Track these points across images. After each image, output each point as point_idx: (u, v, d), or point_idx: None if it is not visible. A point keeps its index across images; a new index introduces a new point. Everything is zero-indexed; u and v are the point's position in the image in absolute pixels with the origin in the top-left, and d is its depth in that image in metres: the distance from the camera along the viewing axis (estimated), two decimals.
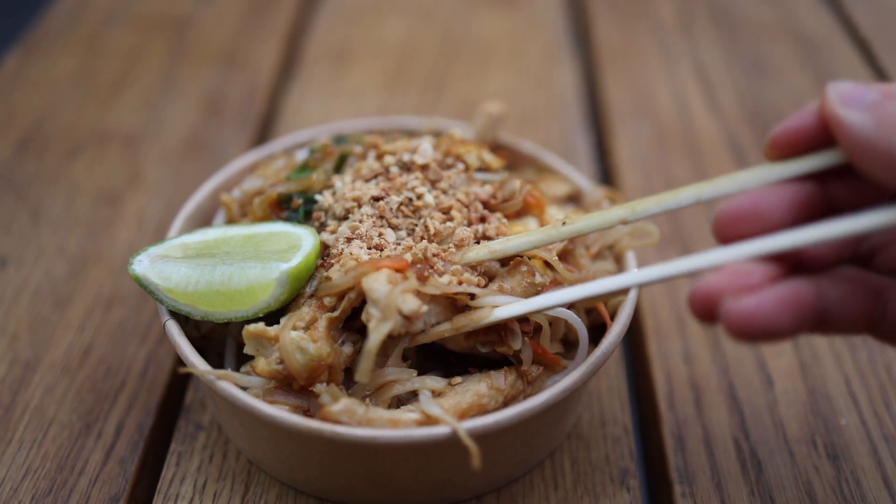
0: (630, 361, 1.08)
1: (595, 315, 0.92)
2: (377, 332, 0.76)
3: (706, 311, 0.65)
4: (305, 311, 0.82)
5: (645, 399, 1.03)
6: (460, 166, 0.96)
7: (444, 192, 0.92)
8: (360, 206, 0.90)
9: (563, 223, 0.81)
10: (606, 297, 0.84)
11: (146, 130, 1.40)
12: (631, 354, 1.09)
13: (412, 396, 0.84)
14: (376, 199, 0.90)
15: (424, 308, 0.79)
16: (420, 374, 0.85)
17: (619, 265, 0.95)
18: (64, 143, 1.37)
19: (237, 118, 1.43)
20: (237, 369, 0.85)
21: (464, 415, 0.81)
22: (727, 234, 0.68)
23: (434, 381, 0.84)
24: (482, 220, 0.90)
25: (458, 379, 0.85)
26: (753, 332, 0.62)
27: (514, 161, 1.07)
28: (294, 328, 0.81)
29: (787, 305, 0.63)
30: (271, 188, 0.95)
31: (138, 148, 1.36)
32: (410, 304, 0.78)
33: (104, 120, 1.42)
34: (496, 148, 1.07)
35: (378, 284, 0.78)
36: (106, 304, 1.09)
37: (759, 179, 0.71)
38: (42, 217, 1.22)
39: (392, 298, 0.77)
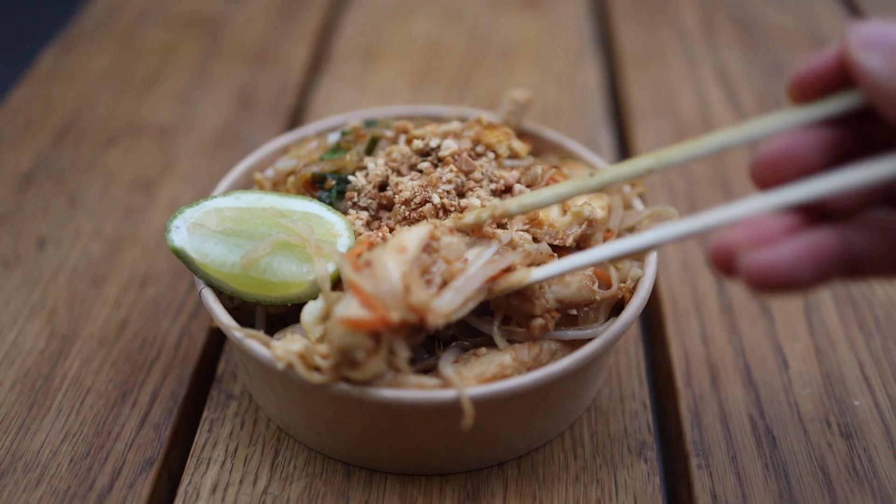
0: (648, 342, 1.11)
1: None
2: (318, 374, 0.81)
3: (725, 265, 0.64)
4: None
5: (663, 377, 1.06)
6: (490, 155, 0.99)
7: (478, 182, 0.96)
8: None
9: (591, 175, 0.81)
10: (636, 254, 0.83)
11: (179, 123, 1.44)
12: (649, 335, 1.12)
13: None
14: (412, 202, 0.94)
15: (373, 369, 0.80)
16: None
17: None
18: (99, 134, 1.41)
19: (268, 112, 1.47)
20: None
21: (486, 383, 0.84)
22: (765, 179, 0.67)
23: (457, 350, 0.88)
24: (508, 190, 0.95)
25: (483, 350, 0.88)
26: (772, 285, 0.61)
27: (538, 148, 1.10)
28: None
29: (807, 257, 0.62)
30: (305, 168, 0.98)
31: (172, 139, 1.40)
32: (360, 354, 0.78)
33: (138, 113, 1.47)
34: (521, 135, 1.10)
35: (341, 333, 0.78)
36: (140, 282, 1.13)
37: (785, 123, 0.69)
38: (79, 202, 1.26)
39: (347, 345, 0.77)
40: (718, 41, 1.70)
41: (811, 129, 0.67)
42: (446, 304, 0.80)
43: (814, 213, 0.65)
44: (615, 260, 0.86)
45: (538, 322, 0.86)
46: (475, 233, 0.87)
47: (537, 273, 0.83)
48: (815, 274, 0.62)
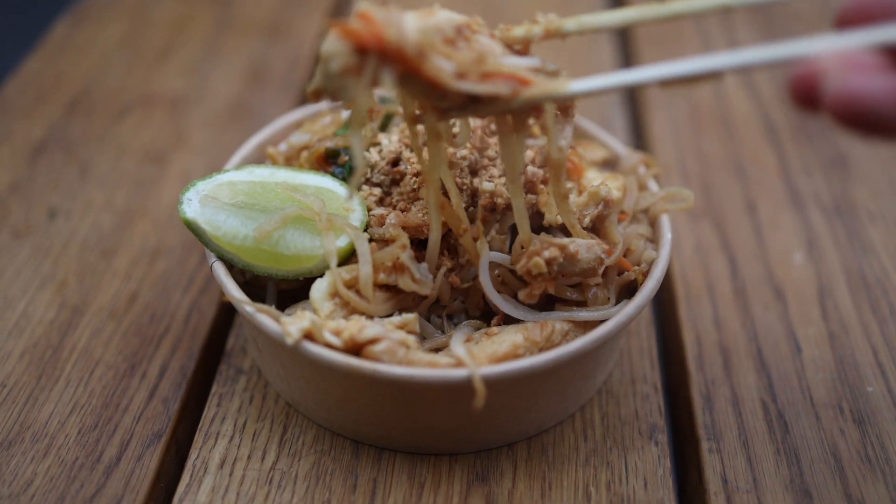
0: (660, 325, 1.10)
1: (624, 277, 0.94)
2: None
3: (807, 92, 0.60)
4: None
5: (674, 360, 1.05)
6: None
7: (492, 160, 0.95)
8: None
9: (661, 2, 0.76)
10: (695, 79, 0.71)
11: (191, 95, 1.43)
12: (661, 318, 1.11)
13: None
14: None
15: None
16: None
17: (654, 228, 0.97)
18: (111, 106, 1.40)
19: (280, 85, 1.46)
20: None
21: (498, 363, 0.83)
22: (852, 22, 0.64)
23: (468, 329, 0.87)
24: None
25: (495, 329, 0.87)
26: (857, 114, 0.57)
27: None
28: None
29: None
30: (319, 143, 0.98)
31: (183, 111, 1.39)
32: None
33: (150, 85, 1.46)
34: None
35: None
36: (151, 255, 1.12)
37: None
38: (90, 173, 1.26)
39: (328, 51, 0.69)
40: (734, 22, 1.69)
41: None
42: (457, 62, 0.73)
43: None
44: (675, 83, 0.71)
45: (536, 290, 0.85)
46: (521, 50, 0.81)
47: (576, 85, 0.74)
48: None
